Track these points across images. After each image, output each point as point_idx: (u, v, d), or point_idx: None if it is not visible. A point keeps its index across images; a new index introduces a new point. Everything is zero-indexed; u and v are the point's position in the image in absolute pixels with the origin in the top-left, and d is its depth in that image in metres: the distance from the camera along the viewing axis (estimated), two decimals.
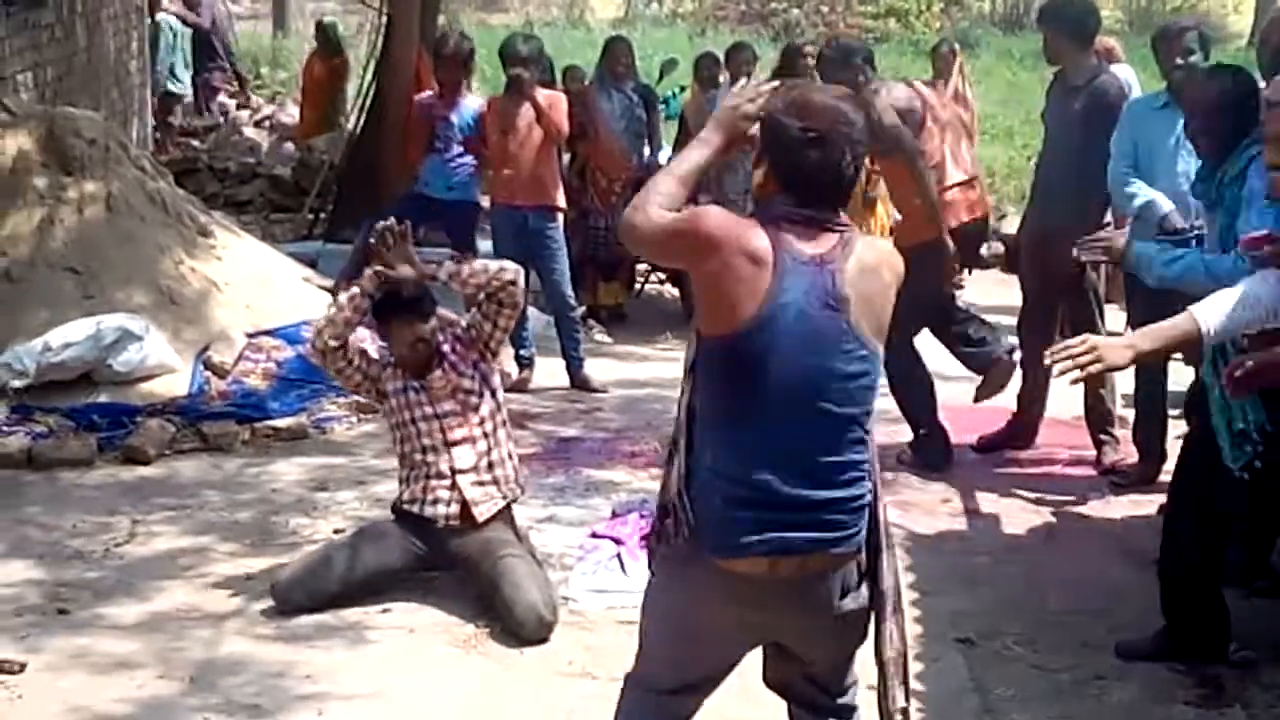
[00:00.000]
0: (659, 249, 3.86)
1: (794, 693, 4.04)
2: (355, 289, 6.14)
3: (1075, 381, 4.57)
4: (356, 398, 8.75)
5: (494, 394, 6.29)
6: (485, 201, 10.21)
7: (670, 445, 3.80)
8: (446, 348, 6.25)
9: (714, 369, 3.66)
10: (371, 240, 6.03)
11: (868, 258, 3.69)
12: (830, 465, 3.68)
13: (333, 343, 6.16)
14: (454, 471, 6.16)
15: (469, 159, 9.96)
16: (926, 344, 11.30)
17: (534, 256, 9.26)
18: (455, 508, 6.12)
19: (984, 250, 14.17)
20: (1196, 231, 6.67)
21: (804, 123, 3.62)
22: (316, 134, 15.39)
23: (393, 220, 6.20)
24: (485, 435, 6.23)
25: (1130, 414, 8.01)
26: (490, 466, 6.23)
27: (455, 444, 6.18)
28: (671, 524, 3.72)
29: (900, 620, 3.91)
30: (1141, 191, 7.14)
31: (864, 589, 3.82)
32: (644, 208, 3.68)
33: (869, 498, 3.79)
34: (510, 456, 6.33)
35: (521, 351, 9.59)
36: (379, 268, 6.07)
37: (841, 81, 7.13)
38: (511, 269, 6.10)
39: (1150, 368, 7.49)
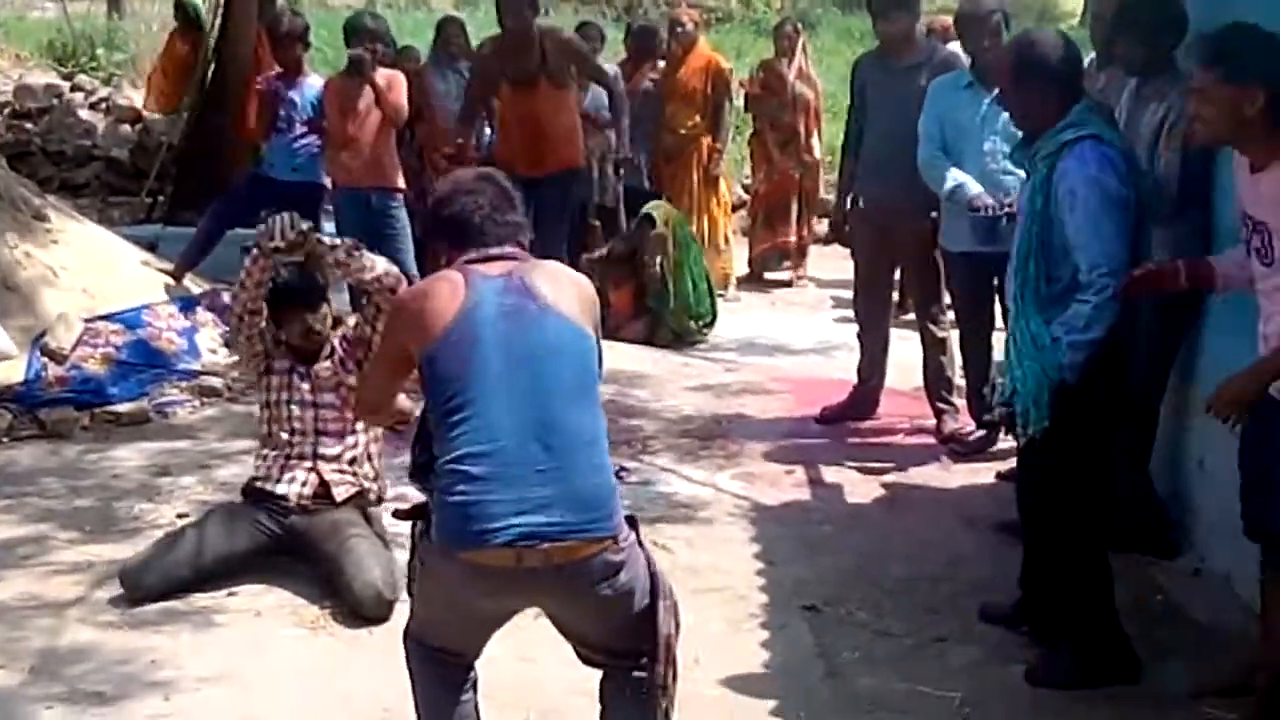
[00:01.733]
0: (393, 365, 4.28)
1: (582, 657, 4.27)
2: (255, 248, 6.05)
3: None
4: (198, 382, 8.70)
5: None
6: (329, 182, 10.13)
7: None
8: (337, 341, 6.28)
9: (434, 381, 3.93)
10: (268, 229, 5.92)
11: (548, 269, 4.12)
12: (566, 440, 3.86)
13: (250, 305, 6.14)
14: (316, 456, 6.19)
15: (312, 140, 9.85)
16: (774, 317, 11.47)
17: (378, 237, 9.18)
18: (309, 489, 6.12)
19: (823, 225, 14.40)
20: (1007, 210, 6.85)
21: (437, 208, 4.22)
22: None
23: (295, 218, 6.08)
24: (355, 433, 6.27)
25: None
26: (353, 461, 6.27)
27: (325, 434, 6.22)
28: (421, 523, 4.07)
29: (672, 606, 4.08)
30: (950, 175, 7.29)
31: (622, 576, 3.93)
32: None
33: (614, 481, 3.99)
34: (374, 459, 6.38)
35: None
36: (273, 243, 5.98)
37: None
38: (394, 275, 5.99)
39: (977, 337, 7.68)
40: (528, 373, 3.86)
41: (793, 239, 13.15)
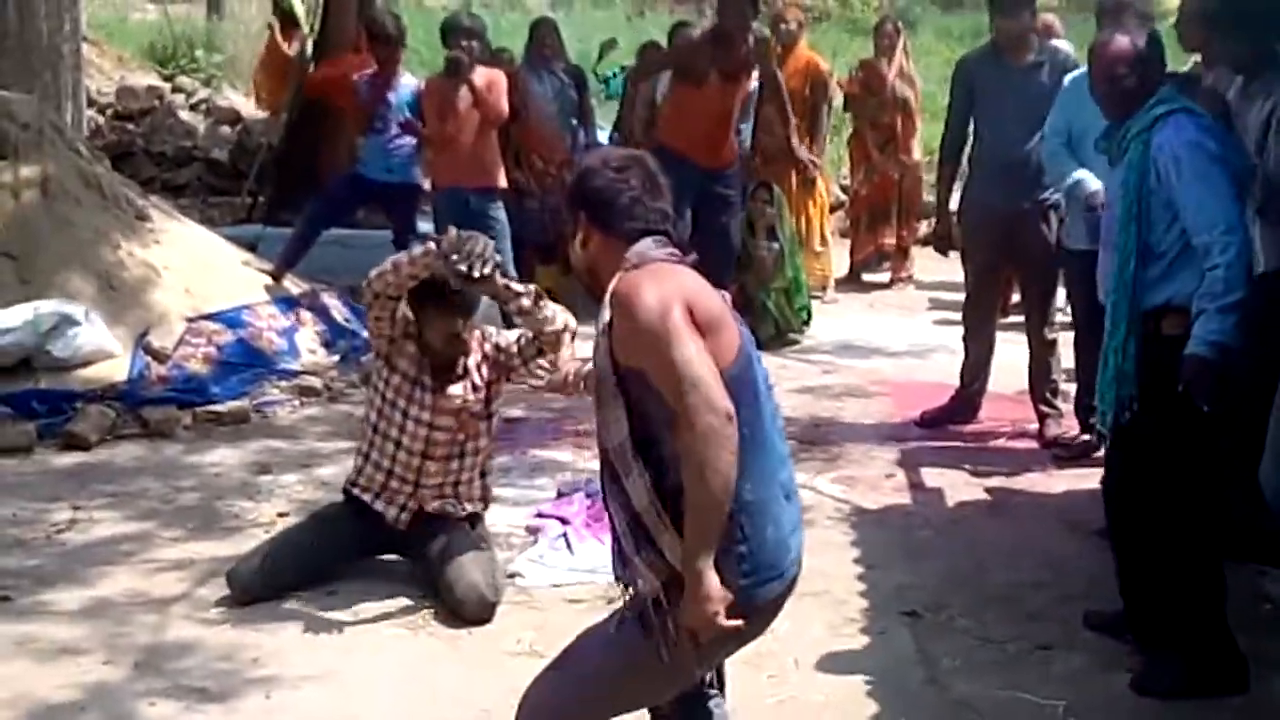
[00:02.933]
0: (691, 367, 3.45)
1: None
2: (431, 245, 5.61)
3: None
4: (299, 381, 8.75)
5: (491, 422, 6.17)
6: (426, 184, 10.17)
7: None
8: (474, 361, 6.04)
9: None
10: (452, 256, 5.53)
11: None
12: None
13: (391, 291, 5.76)
14: (417, 484, 6.04)
15: (408, 140, 9.90)
16: (872, 319, 11.40)
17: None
18: (407, 515, 6.07)
19: (924, 227, 14.30)
20: None
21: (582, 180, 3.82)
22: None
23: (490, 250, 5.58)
24: (463, 456, 6.09)
25: (1073, 388, 8.06)
26: (455, 485, 6.13)
27: (431, 458, 6.02)
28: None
29: None
30: (1073, 171, 7.18)
31: None
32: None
33: None
34: (481, 478, 6.23)
35: None
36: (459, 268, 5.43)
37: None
38: (573, 329, 5.78)
39: (1093, 341, 7.55)
40: (770, 400, 3.74)
41: (893, 241, 13.08)
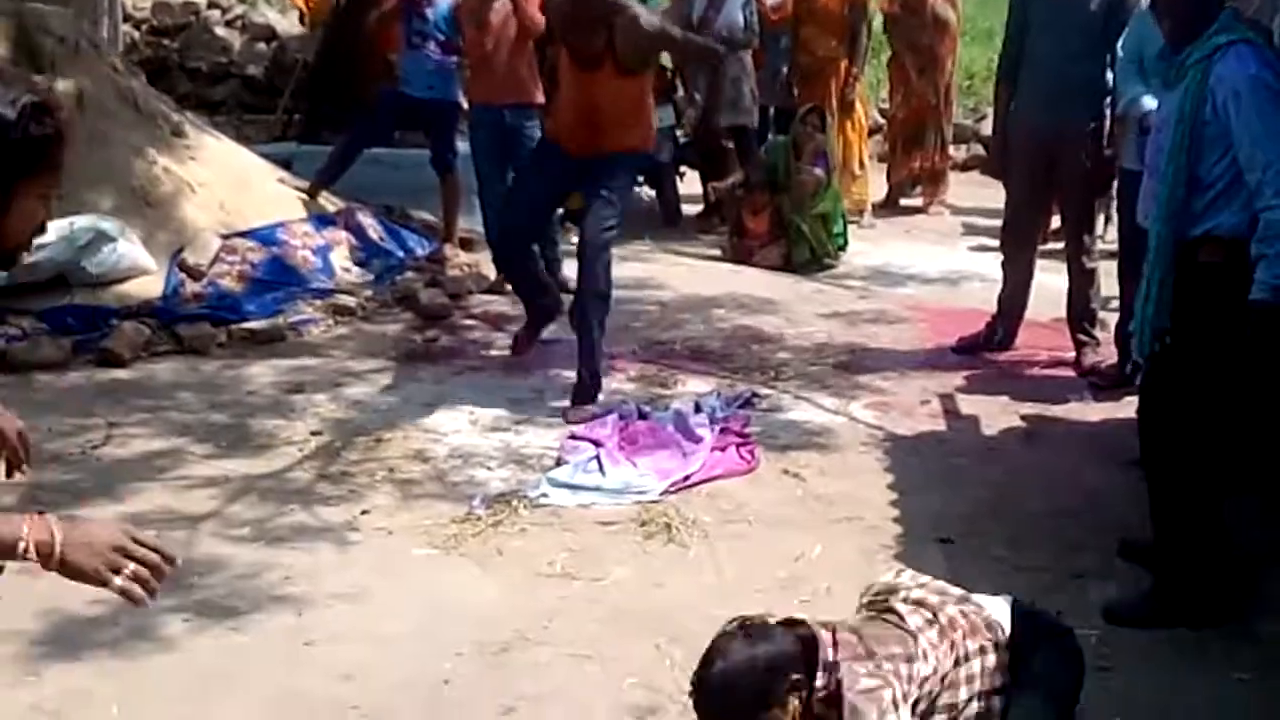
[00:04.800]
0: None
1: None
2: None
3: None
4: (333, 300, 8.74)
5: None
6: (464, 101, 10.09)
7: None
8: None
9: None
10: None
11: None
12: None
13: None
14: None
15: (450, 57, 9.80)
16: (908, 246, 11.34)
17: (511, 156, 9.11)
18: None
19: (961, 152, 14.21)
20: None
21: None
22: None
23: None
24: None
25: (1111, 317, 8.00)
26: None
27: None
28: None
29: None
30: (1140, 93, 7.07)
31: None
32: None
33: None
34: None
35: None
36: None
37: None
38: None
39: (1136, 266, 7.48)
40: None
41: (927, 165, 12.97)
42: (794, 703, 3.60)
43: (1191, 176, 5.00)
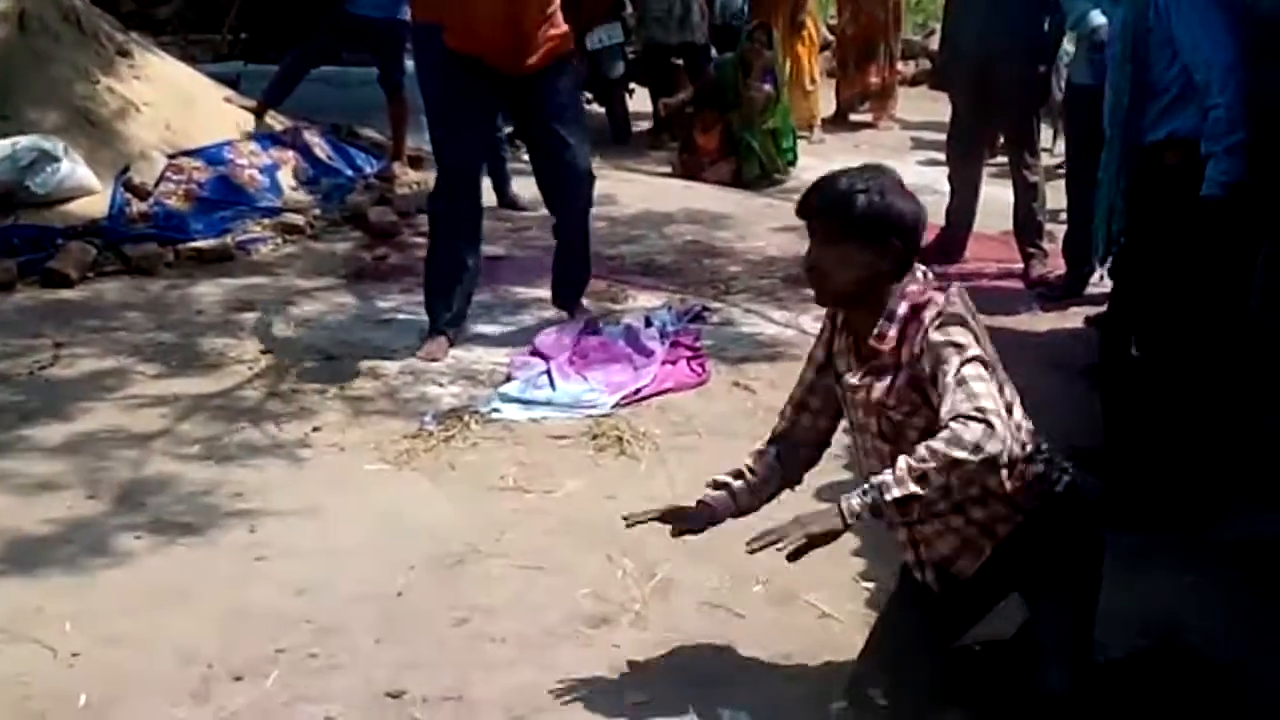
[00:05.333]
0: None
1: None
2: None
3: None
4: (281, 219, 8.70)
5: None
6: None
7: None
8: None
9: None
10: None
11: None
12: None
13: None
14: None
15: None
16: (858, 160, 11.34)
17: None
18: None
19: (910, 68, 14.22)
20: None
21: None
22: None
23: None
24: None
25: (1059, 229, 8.04)
26: None
27: None
28: None
29: None
30: (1081, 7, 7.09)
31: None
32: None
33: None
34: None
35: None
36: None
37: None
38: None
39: (1083, 182, 7.51)
40: None
41: (877, 80, 12.97)
42: (875, 255, 3.71)
43: (1144, 83, 5.04)
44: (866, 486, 3.42)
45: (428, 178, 9.62)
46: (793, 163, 10.94)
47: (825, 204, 3.74)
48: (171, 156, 8.82)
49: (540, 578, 4.75)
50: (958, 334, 3.58)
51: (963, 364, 3.49)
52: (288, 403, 6.26)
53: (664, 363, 6.64)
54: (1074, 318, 7.43)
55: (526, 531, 5.07)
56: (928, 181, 9.99)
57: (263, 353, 6.82)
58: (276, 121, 9.83)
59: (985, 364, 3.53)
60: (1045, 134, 9.30)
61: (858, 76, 12.99)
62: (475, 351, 6.86)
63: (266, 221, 8.71)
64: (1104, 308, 6.90)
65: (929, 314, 3.64)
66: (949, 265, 8.35)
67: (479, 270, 7.18)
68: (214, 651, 4.25)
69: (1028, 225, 8.14)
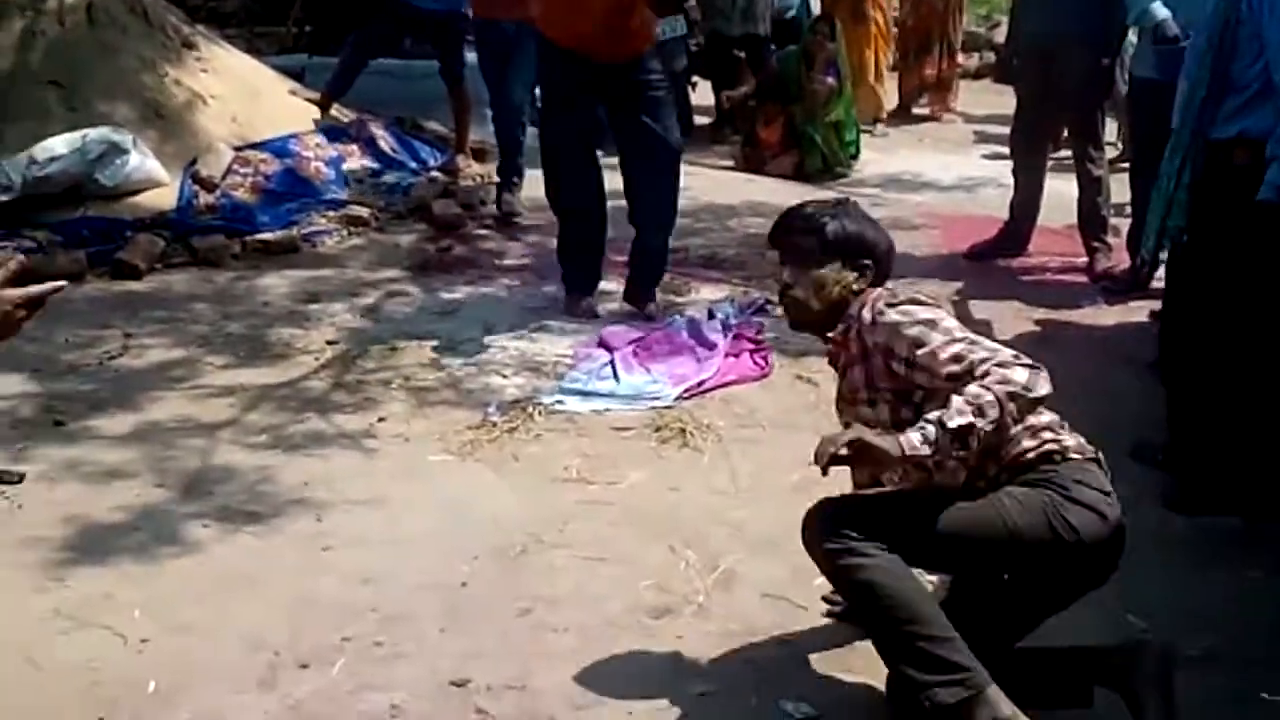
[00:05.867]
0: None
1: None
2: None
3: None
4: (346, 211, 8.75)
5: None
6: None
7: None
8: None
9: None
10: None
11: None
12: None
13: None
14: None
15: None
16: (921, 154, 11.32)
17: (513, 68, 8.99)
18: None
19: (974, 60, 14.17)
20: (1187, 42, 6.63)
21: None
22: None
23: None
24: None
25: (1124, 223, 8.00)
26: None
27: None
28: None
29: None
30: (1144, 2, 7.04)
31: None
32: None
33: None
34: None
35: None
36: None
37: None
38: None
39: (1146, 176, 7.47)
40: None
41: (933, 73, 12.94)
42: (851, 276, 3.93)
43: (1225, 76, 5.00)
44: (923, 422, 3.48)
45: (490, 170, 9.69)
46: (855, 156, 10.93)
47: (802, 227, 3.97)
48: (238, 149, 8.90)
49: (603, 569, 4.77)
50: (920, 311, 3.75)
51: (949, 342, 3.65)
52: (353, 393, 6.30)
53: (727, 355, 6.65)
54: (1138, 312, 7.39)
55: (589, 522, 5.09)
56: (992, 175, 10.02)
57: (328, 343, 6.87)
58: (341, 114, 9.90)
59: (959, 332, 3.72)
60: (1109, 127, 9.25)
61: (917, 68, 12.95)
62: (539, 343, 6.89)
63: (332, 214, 8.78)
64: None
65: (875, 304, 3.81)
66: (1011, 258, 8.33)
67: (605, 230, 7.50)
68: (281, 639, 4.28)
69: (1092, 219, 8.11)
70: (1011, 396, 3.48)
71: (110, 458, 5.60)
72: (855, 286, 3.90)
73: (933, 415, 3.47)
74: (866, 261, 3.91)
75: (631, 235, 7.42)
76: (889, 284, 3.98)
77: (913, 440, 3.45)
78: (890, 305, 3.78)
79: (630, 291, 7.43)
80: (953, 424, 3.41)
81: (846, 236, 3.93)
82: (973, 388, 3.45)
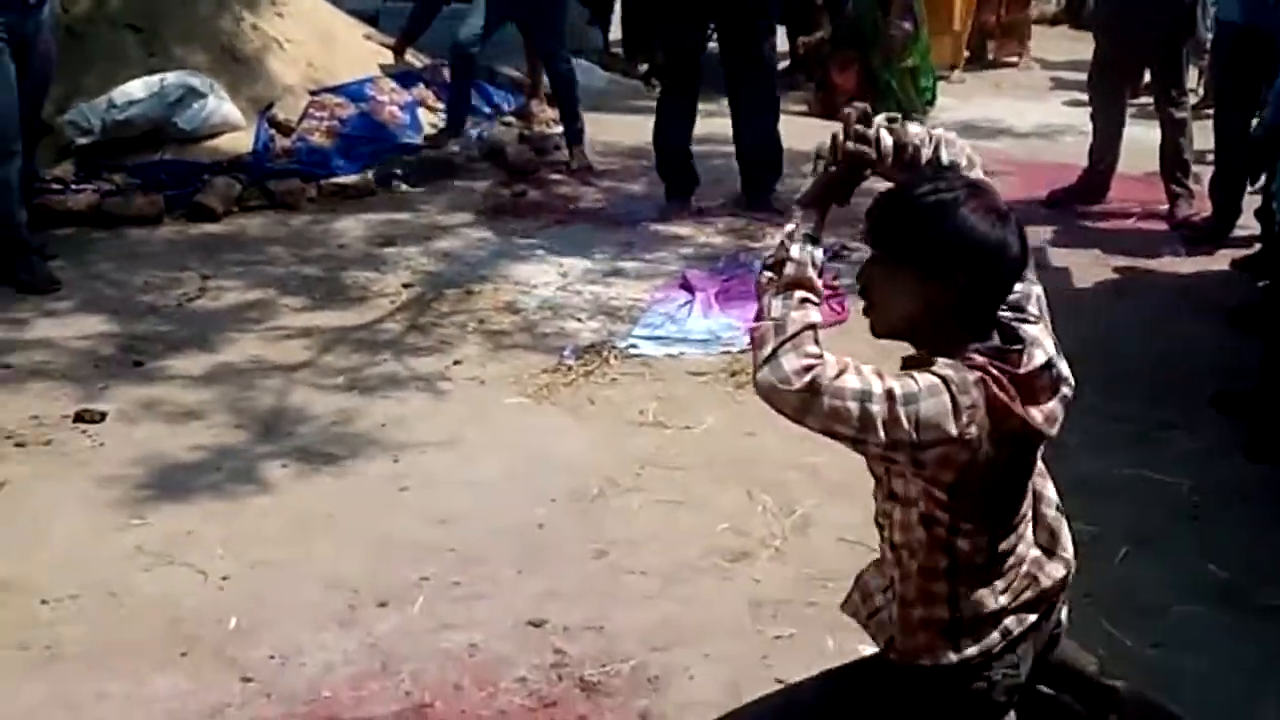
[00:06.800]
0: None
1: None
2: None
3: None
4: (420, 155, 8.74)
5: None
6: None
7: None
8: None
9: None
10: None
11: None
12: None
13: None
14: None
15: None
16: (998, 101, 11.21)
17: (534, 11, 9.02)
18: None
19: (1050, 6, 14.02)
20: None
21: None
22: None
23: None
24: None
25: (1205, 170, 7.90)
26: None
27: None
28: None
29: None
30: None
31: None
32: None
33: None
34: None
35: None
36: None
37: None
38: None
39: (1232, 125, 7.37)
40: None
41: (990, 18, 12.82)
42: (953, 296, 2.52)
43: None
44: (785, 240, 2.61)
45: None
46: (931, 102, 10.83)
47: (886, 213, 2.62)
48: (314, 93, 8.90)
49: (679, 512, 4.78)
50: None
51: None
52: (428, 336, 6.32)
53: None
54: (1220, 260, 7.30)
55: (665, 466, 5.09)
56: (1071, 122, 9.91)
57: (404, 286, 6.89)
58: (416, 59, 9.88)
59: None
60: (1190, 74, 9.12)
61: (983, 13, 12.83)
62: (614, 287, 6.89)
63: (407, 158, 8.77)
64: (1250, 250, 6.82)
65: None
66: (1091, 205, 8.24)
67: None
68: (359, 578, 4.32)
69: (1175, 163, 7.98)
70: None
71: (189, 398, 5.65)
72: (943, 305, 2.55)
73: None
74: (961, 277, 2.53)
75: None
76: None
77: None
78: None
79: (750, 194, 8.11)
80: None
81: (942, 237, 2.53)
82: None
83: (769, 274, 2.55)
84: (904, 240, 2.57)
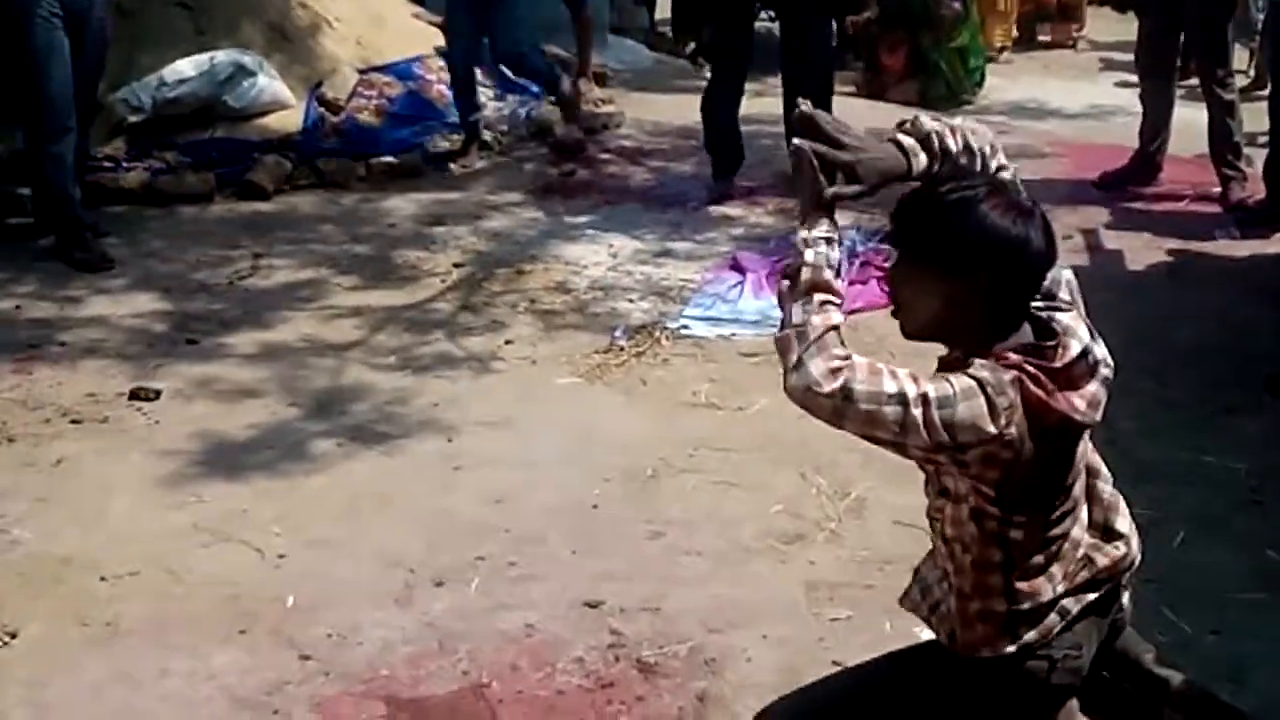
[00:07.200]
0: None
1: None
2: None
3: None
4: (472, 134, 8.73)
5: None
6: None
7: None
8: None
9: None
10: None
11: None
12: None
13: None
14: None
15: None
16: (1048, 81, 11.15)
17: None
18: None
19: None
20: None
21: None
22: None
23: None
24: None
25: (1258, 153, 7.83)
26: None
27: None
28: None
29: None
30: None
31: None
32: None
33: None
34: None
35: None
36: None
37: None
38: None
39: None
40: None
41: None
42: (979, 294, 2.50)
43: None
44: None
45: (612, 94, 9.67)
46: (980, 83, 10.79)
47: (908, 213, 2.62)
48: (363, 72, 8.92)
49: (734, 493, 4.77)
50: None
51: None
52: (479, 315, 6.33)
53: (853, 282, 6.59)
54: (1275, 243, 7.23)
55: (719, 447, 5.08)
56: (1122, 103, 9.86)
57: (455, 266, 6.90)
58: None
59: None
60: (1239, 56, 9.04)
61: None
62: (665, 268, 6.88)
63: (456, 137, 8.77)
64: None
65: None
66: (1143, 187, 8.18)
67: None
68: (416, 557, 4.32)
69: (1224, 145, 7.90)
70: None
71: (242, 376, 5.67)
72: (966, 303, 2.55)
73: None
74: (984, 275, 2.50)
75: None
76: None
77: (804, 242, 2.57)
78: None
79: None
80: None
81: (964, 234, 2.50)
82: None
83: (786, 282, 2.55)
84: (925, 240, 2.58)
